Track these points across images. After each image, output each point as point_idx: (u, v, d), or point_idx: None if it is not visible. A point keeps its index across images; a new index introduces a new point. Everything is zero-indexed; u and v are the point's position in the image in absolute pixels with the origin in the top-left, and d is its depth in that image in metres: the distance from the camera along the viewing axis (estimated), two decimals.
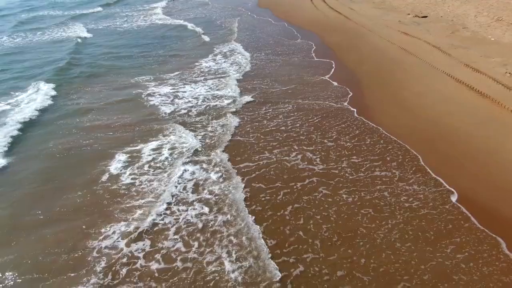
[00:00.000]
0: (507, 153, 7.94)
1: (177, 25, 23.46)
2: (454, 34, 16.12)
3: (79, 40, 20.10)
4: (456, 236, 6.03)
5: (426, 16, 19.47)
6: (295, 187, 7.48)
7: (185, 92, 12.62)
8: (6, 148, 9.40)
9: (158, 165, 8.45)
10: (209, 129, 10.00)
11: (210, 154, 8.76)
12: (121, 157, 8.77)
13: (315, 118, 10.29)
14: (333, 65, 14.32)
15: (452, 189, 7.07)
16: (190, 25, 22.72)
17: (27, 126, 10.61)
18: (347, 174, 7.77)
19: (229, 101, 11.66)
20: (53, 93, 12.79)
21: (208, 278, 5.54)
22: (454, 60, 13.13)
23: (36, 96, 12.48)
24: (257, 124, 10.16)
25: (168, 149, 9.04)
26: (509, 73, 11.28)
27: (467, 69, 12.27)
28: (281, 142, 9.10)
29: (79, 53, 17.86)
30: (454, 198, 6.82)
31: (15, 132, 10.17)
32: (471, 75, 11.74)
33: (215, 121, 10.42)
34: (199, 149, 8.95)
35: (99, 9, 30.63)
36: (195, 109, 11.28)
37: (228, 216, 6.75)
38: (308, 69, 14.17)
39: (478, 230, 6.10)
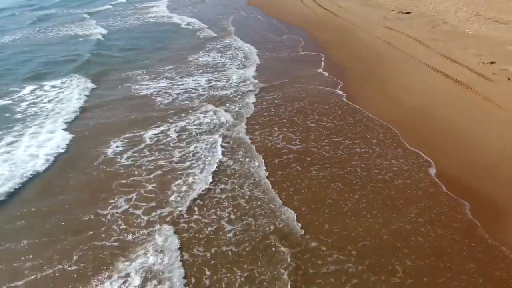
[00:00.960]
0: (478, 132, 8.87)
1: (188, 22, 24.22)
2: (435, 29, 17.14)
3: (99, 36, 21.17)
4: (422, 202, 6.86)
5: (409, 12, 20.50)
6: (272, 163, 8.34)
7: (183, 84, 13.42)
8: None
9: None
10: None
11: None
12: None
13: (303, 103, 11.16)
14: (322, 59, 15.18)
15: (429, 159, 7.96)
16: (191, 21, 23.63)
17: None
18: (324, 152, 8.62)
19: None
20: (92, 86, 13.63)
21: None
22: (434, 52, 14.11)
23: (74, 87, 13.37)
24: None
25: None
26: (482, 63, 12.27)
27: (445, 59, 13.25)
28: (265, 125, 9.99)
29: (102, 47, 18.91)
30: (429, 170, 7.70)
31: None
32: (448, 65, 12.71)
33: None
34: None
35: (108, 6, 32.05)
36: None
37: None
38: (297, 62, 15.03)
39: (444, 196, 6.96)
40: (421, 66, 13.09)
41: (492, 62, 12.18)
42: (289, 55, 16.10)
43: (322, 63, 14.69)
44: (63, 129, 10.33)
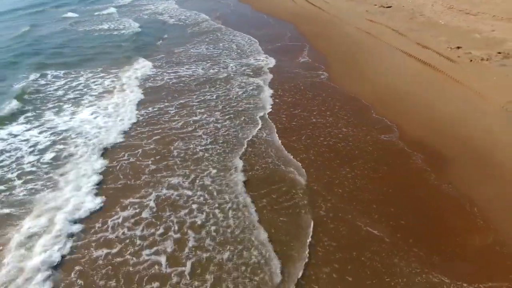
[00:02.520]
0: (438, 102, 10.05)
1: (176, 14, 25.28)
2: (412, 20, 18.42)
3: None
4: (381, 156, 8.07)
5: (390, 6, 21.78)
6: None
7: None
8: None
9: None
10: None
11: None
12: None
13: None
14: (306, 48, 16.34)
15: (393, 124, 9.14)
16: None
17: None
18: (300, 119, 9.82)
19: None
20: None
21: None
22: (409, 40, 15.36)
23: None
24: None
25: None
26: (450, 48, 13.53)
27: (418, 46, 14.50)
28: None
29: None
30: (392, 133, 8.88)
31: None
32: (420, 51, 13.95)
33: None
34: None
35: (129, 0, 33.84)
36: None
37: None
38: (282, 51, 16.19)
39: (403, 151, 8.15)
40: (396, 52, 14.32)
41: (458, 47, 13.45)
42: (275, 44, 17.25)
43: (306, 51, 15.87)
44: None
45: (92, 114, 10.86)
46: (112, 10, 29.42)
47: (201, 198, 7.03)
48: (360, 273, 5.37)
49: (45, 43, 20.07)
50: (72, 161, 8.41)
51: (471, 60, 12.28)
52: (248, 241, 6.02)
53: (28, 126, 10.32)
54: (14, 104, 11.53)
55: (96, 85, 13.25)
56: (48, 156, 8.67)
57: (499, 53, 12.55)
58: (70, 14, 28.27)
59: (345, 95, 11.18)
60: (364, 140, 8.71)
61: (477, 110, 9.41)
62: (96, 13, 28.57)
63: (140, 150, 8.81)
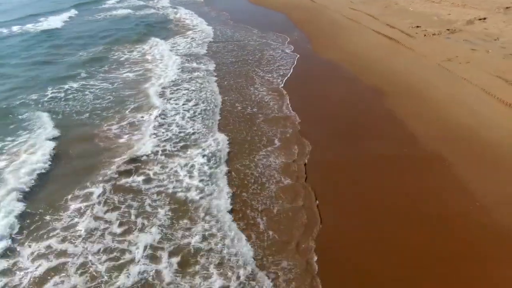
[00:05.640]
0: (395, 63, 13.17)
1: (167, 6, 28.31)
2: (387, 8, 21.60)
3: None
4: (349, 97, 11.20)
5: None
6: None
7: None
8: None
9: None
10: None
11: None
12: None
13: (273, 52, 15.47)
14: (295, 31, 19.44)
15: (361, 78, 12.26)
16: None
17: None
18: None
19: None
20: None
21: None
22: (381, 23, 18.51)
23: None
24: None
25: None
26: (411, 27, 16.71)
27: (387, 26, 17.66)
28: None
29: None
30: (358, 82, 11.98)
31: None
32: (388, 30, 17.11)
33: None
34: None
35: None
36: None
37: None
38: (277, 34, 19.31)
39: (366, 92, 11.27)
40: (369, 31, 17.48)
41: (417, 26, 16.64)
42: (269, 30, 20.34)
43: (295, 33, 18.98)
44: None
45: None
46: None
47: None
48: None
49: None
50: None
51: (425, 35, 15.46)
52: None
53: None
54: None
55: None
56: None
57: (448, 30, 15.75)
58: None
59: (323, 59, 14.34)
60: (335, 84, 11.86)
61: (420, 66, 12.60)
62: None
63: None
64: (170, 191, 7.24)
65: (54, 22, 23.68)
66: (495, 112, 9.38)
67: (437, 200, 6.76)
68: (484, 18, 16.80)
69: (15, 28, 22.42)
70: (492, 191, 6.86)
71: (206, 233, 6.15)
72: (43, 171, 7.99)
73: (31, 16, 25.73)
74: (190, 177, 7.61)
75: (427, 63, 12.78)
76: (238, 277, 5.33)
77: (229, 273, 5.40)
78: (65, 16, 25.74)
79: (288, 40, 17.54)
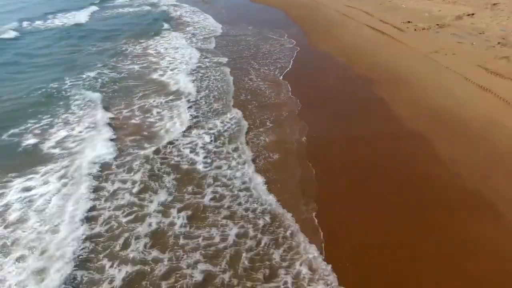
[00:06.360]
0: (385, 54, 14.11)
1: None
2: (381, 5, 22.51)
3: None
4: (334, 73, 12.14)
5: None
6: None
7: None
8: None
9: None
10: None
11: None
12: None
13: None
14: (293, 27, 20.38)
15: (351, 66, 13.19)
16: None
17: None
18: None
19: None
20: None
21: None
22: (374, 18, 19.44)
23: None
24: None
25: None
26: (403, 22, 17.65)
27: (380, 22, 18.58)
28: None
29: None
30: (347, 69, 12.91)
31: None
32: (381, 25, 18.04)
33: None
34: None
35: None
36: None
37: None
38: (276, 30, 20.25)
39: (352, 76, 12.22)
40: (363, 26, 18.40)
41: (409, 22, 17.57)
42: (267, 25, 21.28)
43: (293, 28, 19.92)
44: None
45: None
46: None
47: None
48: None
49: None
50: None
51: (415, 30, 16.40)
52: None
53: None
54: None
55: None
56: None
57: (437, 25, 16.68)
58: None
59: (318, 51, 15.29)
60: (328, 72, 12.80)
61: (408, 57, 13.54)
62: None
63: None
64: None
65: (79, 17, 25.86)
66: (473, 96, 10.30)
67: (413, 164, 7.77)
68: (472, 14, 17.73)
69: (47, 23, 24.77)
70: (464, 158, 7.82)
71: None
72: None
73: (51, 13, 27.57)
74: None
75: (415, 54, 13.71)
76: None
77: None
78: (87, 12, 27.68)
79: (286, 35, 18.45)
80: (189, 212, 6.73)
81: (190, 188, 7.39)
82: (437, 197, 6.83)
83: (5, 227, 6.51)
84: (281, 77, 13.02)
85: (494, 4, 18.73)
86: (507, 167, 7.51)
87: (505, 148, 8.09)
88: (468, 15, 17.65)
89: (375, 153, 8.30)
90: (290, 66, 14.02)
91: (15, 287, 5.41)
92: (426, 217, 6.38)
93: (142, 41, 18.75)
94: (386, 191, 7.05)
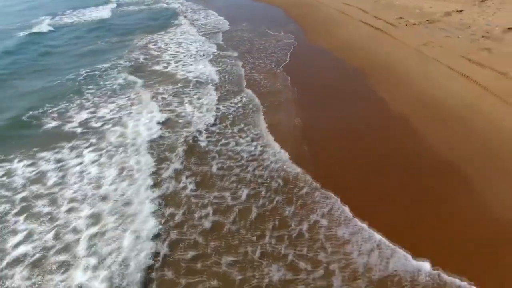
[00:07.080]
0: (377, 48, 15.13)
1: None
2: (376, 3, 23.52)
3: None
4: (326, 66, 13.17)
5: None
6: None
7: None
8: None
9: None
10: None
11: None
12: None
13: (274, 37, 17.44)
14: (292, 24, 21.42)
15: (345, 59, 14.20)
16: None
17: None
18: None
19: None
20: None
21: None
22: (369, 15, 20.47)
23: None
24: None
25: None
26: (395, 18, 18.67)
27: (374, 18, 19.62)
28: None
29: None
30: (342, 63, 13.93)
31: None
32: (374, 20, 19.07)
33: None
34: None
35: None
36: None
37: None
38: (275, 27, 21.28)
39: (346, 68, 13.23)
40: (358, 22, 19.43)
41: (401, 17, 18.61)
42: (267, 23, 22.34)
43: (292, 25, 20.96)
44: None
45: None
46: None
47: None
48: None
49: None
50: None
51: (406, 25, 17.44)
52: None
53: None
54: None
55: None
56: None
57: (427, 20, 17.71)
58: None
59: (316, 47, 16.32)
60: (323, 65, 13.85)
61: (399, 49, 14.58)
62: None
63: None
64: None
65: (101, 13, 28.72)
66: (456, 84, 11.34)
67: (395, 139, 8.88)
68: (461, 10, 18.75)
69: (74, 18, 27.41)
70: (444, 137, 8.87)
71: None
72: None
73: (73, 9, 30.40)
74: None
75: (406, 47, 14.74)
76: None
77: None
78: (107, 8, 30.67)
79: (285, 32, 19.50)
80: None
81: None
82: (415, 167, 7.88)
83: None
84: (280, 70, 14.08)
85: (482, 1, 19.75)
86: (481, 142, 8.54)
87: (481, 127, 9.12)
88: (457, 11, 18.67)
89: (367, 129, 9.45)
90: (287, 60, 15.11)
91: None
92: (401, 173, 7.50)
93: (161, 32, 21.21)
94: (372, 158, 8.15)
